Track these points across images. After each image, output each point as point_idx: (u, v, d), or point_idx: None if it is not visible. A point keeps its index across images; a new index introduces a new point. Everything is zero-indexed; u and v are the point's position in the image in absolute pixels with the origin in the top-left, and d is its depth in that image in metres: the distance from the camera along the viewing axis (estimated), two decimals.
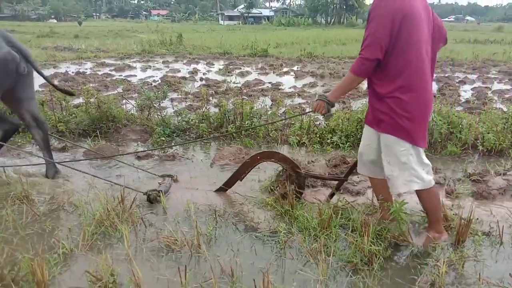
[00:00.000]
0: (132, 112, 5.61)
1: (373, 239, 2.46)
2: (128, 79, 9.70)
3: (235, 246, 2.60)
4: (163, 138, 4.88)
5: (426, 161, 2.51)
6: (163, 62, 13.63)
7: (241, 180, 3.40)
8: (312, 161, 3.98)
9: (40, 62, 12.92)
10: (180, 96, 7.70)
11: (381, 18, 2.27)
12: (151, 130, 5.10)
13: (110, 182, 3.39)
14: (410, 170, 2.44)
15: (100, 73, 10.69)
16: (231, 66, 12.53)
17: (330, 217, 2.64)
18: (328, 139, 4.75)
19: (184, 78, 10.09)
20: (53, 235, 2.68)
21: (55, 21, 71.95)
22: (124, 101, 6.06)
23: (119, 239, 2.61)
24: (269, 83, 9.42)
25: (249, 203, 3.23)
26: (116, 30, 33.62)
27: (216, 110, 5.70)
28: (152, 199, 3.17)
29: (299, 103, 7.07)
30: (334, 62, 13.79)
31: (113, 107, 5.15)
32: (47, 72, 10.68)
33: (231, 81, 9.60)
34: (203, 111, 5.42)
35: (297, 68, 12.66)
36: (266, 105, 6.12)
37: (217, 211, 2.97)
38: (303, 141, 4.75)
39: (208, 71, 11.77)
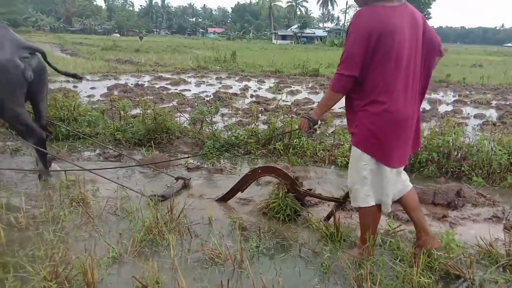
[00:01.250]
0: (185, 125, 5.79)
1: (422, 270, 2.35)
2: (183, 93, 10.06)
3: (278, 265, 2.58)
4: (213, 152, 4.98)
5: (395, 182, 2.49)
6: (216, 78, 14.01)
7: (242, 192, 3.49)
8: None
9: (102, 73, 13.78)
10: (230, 111, 7.86)
11: (358, 34, 2.27)
12: (202, 143, 5.23)
13: (118, 184, 3.61)
14: (369, 186, 2.45)
15: (157, 86, 11.18)
16: (281, 84, 12.64)
17: (374, 244, 2.56)
18: None
19: (235, 94, 10.30)
20: (104, 238, 2.80)
21: (118, 35, 76.64)
22: (178, 114, 6.28)
23: (165, 248, 2.68)
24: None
25: (294, 222, 3.20)
26: (174, 46, 35.12)
27: (265, 127, 5.76)
28: (154, 203, 3.22)
29: None
30: None
31: (168, 120, 5.35)
32: (109, 83, 11.36)
33: (281, 99, 9.67)
34: (252, 127, 5.50)
35: None
36: None
37: (261, 228, 2.97)
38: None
39: (259, 88, 11.94)
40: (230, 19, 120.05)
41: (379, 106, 2.32)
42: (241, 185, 3.47)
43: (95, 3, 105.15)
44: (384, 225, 3.03)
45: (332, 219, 3.02)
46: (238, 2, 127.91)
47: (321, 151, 4.97)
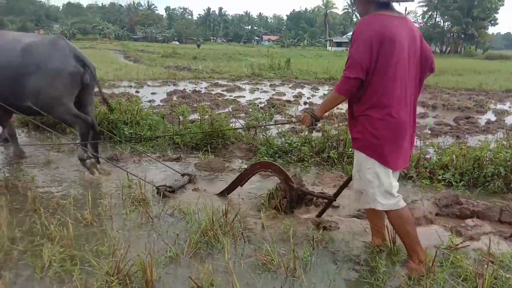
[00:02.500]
0: (240, 131, 5.89)
1: None
2: (238, 99, 10.24)
3: (332, 276, 2.53)
4: (266, 158, 5.02)
5: (395, 183, 2.53)
6: (270, 85, 14.12)
7: (241, 186, 3.69)
8: (415, 200, 3.71)
9: (162, 79, 14.39)
10: (284, 118, 7.88)
11: (361, 41, 2.36)
12: (255, 149, 5.29)
13: (132, 174, 3.94)
14: (375, 189, 2.50)
15: (213, 92, 11.49)
16: None
17: (434, 260, 2.44)
18: (439, 175, 4.41)
19: (289, 101, 10.31)
20: (162, 238, 2.91)
21: (177, 43, 79.69)
22: (233, 120, 6.40)
23: (219, 251, 2.73)
24: None
25: (348, 232, 3.14)
26: (230, 53, 35.92)
27: (319, 134, 5.70)
28: (161, 193, 3.59)
29: None
30: (448, 93, 12.86)
31: (223, 125, 5.47)
32: (168, 88, 11.84)
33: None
34: (306, 135, 5.47)
35: None
36: None
37: (314, 237, 2.94)
38: (411, 174, 4.48)
39: (313, 95, 11.86)
40: (285, 27, 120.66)
41: (380, 111, 2.41)
42: (240, 180, 3.67)
43: (156, 12, 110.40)
44: (445, 241, 2.88)
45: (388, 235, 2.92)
46: (294, 10, 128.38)
47: None
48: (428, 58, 2.55)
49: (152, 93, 10.75)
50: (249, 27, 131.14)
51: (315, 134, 5.28)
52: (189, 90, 11.49)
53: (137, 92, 10.80)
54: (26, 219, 3.08)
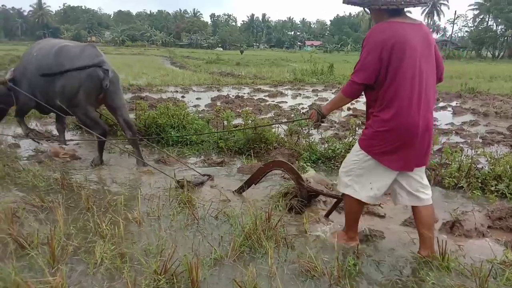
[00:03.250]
0: (282, 136, 5.90)
1: None
2: (280, 105, 10.27)
3: (377, 286, 2.47)
4: (309, 164, 4.99)
5: (386, 180, 2.66)
6: (313, 91, 14.04)
7: (255, 184, 3.85)
8: (465, 212, 3.54)
9: (207, 84, 14.70)
10: (326, 124, 7.80)
11: (371, 47, 2.45)
12: (298, 154, 5.28)
13: (158, 170, 4.40)
14: (351, 177, 2.72)
15: (255, 98, 11.59)
16: None
17: (489, 275, 2.32)
18: (491, 186, 4.19)
19: None
20: (207, 239, 2.97)
21: (221, 49, 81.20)
22: (276, 125, 6.43)
23: (263, 255, 2.75)
24: None
25: (395, 242, 3.06)
26: (272, 59, 36.07)
27: None
28: (181, 185, 3.84)
29: (456, 142, 6.44)
30: (501, 100, 12.19)
31: (266, 130, 5.51)
32: (212, 94, 12.08)
33: None
34: (350, 141, 5.39)
35: (456, 103, 11.59)
36: None
37: (359, 246, 2.89)
38: (461, 184, 4.29)
39: (356, 101, 11.64)
40: (328, 32, 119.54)
41: (388, 113, 2.50)
42: (255, 177, 3.81)
43: (202, 19, 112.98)
44: (499, 255, 2.74)
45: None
46: (337, 15, 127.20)
47: (426, 169, 4.66)
48: (439, 66, 2.63)
49: (197, 98, 11.02)
50: (292, 32, 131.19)
51: None
52: (233, 96, 11.67)
53: (182, 97, 11.11)
54: (80, 216, 3.25)
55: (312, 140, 5.55)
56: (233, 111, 7.35)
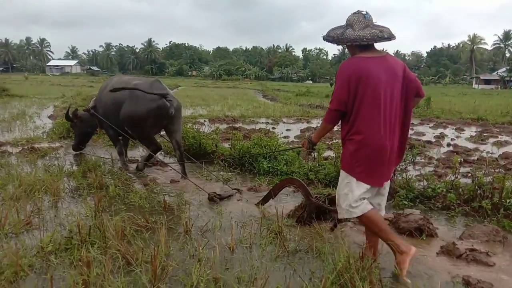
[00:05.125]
0: None
1: None
2: None
3: None
4: (405, 202, 4.72)
5: (367, 195, 2.95)
6: None
7: (273, 199, 4.44)
8: None
9: (296, 116, 14.89)
10: (423, 160, 7.34)
11: (341, 79, 2.84)
12: (393, 191, 5.02)
13: (186, 178, 5.29)
14: (349, 201, 2.93)
15: None
16: (485, 134, 11.16)
17: None
18: None
19: (429, 142, 9.60)
20: (298, 273, 2.94)
21: (311, 82, 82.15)
22: None
23: None
24: None
25: None
26: None
27: (465, 180, 5.14)
28: (210, 198, 4.61)
29: None
30: None
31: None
32: (301, 125, 12.17)
33: (484, 150, 8.52)
34: (453, 180, 4.99)
35: None
36: None
37: None
38: None
39: (457, 136, 10.83)
40: (424, 64, 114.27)
41: (358, 136, 2.84)
42: (273, 193, 4.40)
43: (294, 53, 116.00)
44: None
45: None
46: (435, 46, 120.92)
47: None
48: (412, 84, 2.93)
49: (287, 130, 11.18)
50: None
51: (464, 180, 4.79)
52: None
53: (273, 128, 11.36)
54: (179, 238, 3.46)
55: (408, 176, 5.25)
56: (323, 143, 7.31)
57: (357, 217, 3.00)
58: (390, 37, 2.80)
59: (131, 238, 3.42)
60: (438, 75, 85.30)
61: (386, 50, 3.40)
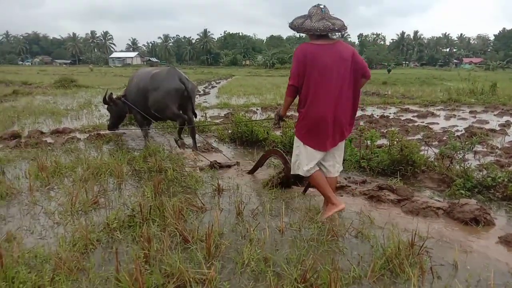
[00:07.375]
0: (431, 159, 5.50)
1: None
2: (430, 126, 9.57)
3: None
4: (462, 192, 4.55)
5: (313, 158, 3.62)
6: (470, 112, 12.65)
7: (260, 167, 5.27)
8: None
9: None
10: (485, 149, 6.96)
11: (294, 62, 3.46)
12: (450, 180, 4.86)
13: (202, 156, 6.12)
14: (300, 161, 3.66)
15: (402, 118, 11.02)
16: None
17: None
18: None
19: (493, 130, 9.04)
20: (346, 257, 2.99)
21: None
22: (425, 147, 6.04)
23: (405, 281, 2.63)
24: None
25: None
26: (423, 77, 33.77)
27: None
28: (211, 166, 5.54)
29: None
30: None
31: (415, 152, 5.22)
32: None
33: None
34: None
35: None
36: None
37: None
38: None
39: None
40: (491, 48, 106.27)
41: (303, 109, 3.53)
42: (260, 162, 5.21)
43: (349, 40, 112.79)
44: None
45: None
46: (504, 29, 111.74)
47: None
48: (359, 67, 3.46)
49: None
50: (448, 49, 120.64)
51: None
52: (377, 115, 11.32)
53: None
54: (231, 219, 3.63)
55: (468, 165, 5.03)
56: (377, 131, 7.17)
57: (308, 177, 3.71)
58: (341, 29, 3.34)
59: (187, 217, 3.65)
60: (506, 60, 78.98)
61: (341, 38, 3.95)
